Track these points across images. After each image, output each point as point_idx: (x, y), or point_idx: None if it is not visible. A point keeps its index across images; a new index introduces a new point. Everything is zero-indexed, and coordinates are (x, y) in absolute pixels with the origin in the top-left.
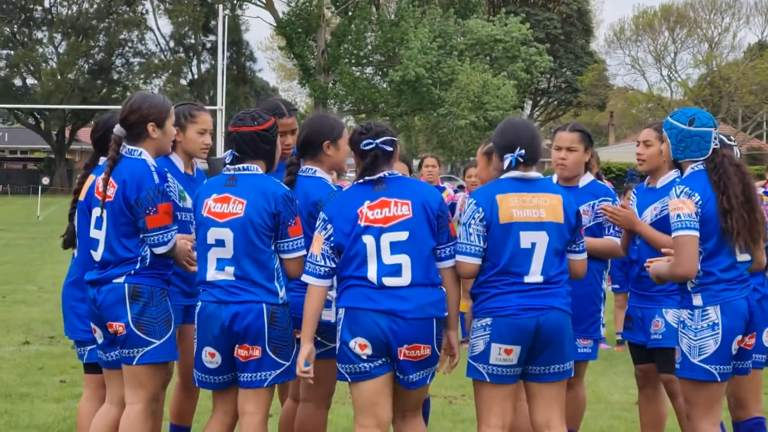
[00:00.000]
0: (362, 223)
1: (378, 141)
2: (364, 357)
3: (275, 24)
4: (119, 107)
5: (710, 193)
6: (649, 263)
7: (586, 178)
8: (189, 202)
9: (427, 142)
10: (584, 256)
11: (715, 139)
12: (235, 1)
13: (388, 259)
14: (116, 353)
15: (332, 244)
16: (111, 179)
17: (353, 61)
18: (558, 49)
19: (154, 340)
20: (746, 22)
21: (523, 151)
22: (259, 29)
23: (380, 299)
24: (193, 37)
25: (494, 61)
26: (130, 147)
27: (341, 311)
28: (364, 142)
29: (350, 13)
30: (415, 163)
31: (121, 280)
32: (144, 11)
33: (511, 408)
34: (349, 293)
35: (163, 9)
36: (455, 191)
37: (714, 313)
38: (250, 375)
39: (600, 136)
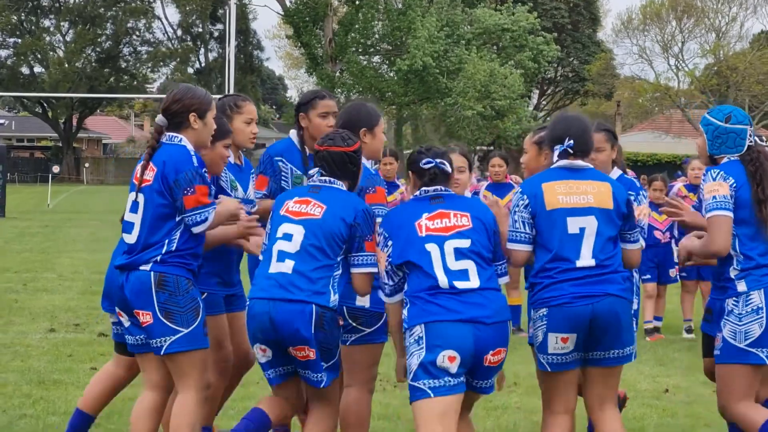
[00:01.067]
0: (423, 234)
1: (437, 160)
2: (454, 370)
3: (283, 13)
4: (126, 96)
5: (744, 181)
6: (683, 247)
7: (615, 173)
8: (240, 192)
9: (435, 132)
10: (638, 245)
11: (751, 136)
12: None
13: (454, 264)
14: (143, 337)
15: (394, 261)
16: (150, 164)
17: (360, 50)
18: (565, 39)
19: (181, 329)
20: (753, 12)
21: (572, 141)
22: (266, 18)
23: (459, 308)
24: (200, 25)
25: (501, 50)
26: (171, 134)
27: (418, 328)
28: (424, 161)
29: (357, 2)
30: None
31: (147, 267)
32: (151, 0)
33: (574, 393)
34: (423, 308)
35: None
36: (478, 180)
37: (758, 298)
38: (310, 374)
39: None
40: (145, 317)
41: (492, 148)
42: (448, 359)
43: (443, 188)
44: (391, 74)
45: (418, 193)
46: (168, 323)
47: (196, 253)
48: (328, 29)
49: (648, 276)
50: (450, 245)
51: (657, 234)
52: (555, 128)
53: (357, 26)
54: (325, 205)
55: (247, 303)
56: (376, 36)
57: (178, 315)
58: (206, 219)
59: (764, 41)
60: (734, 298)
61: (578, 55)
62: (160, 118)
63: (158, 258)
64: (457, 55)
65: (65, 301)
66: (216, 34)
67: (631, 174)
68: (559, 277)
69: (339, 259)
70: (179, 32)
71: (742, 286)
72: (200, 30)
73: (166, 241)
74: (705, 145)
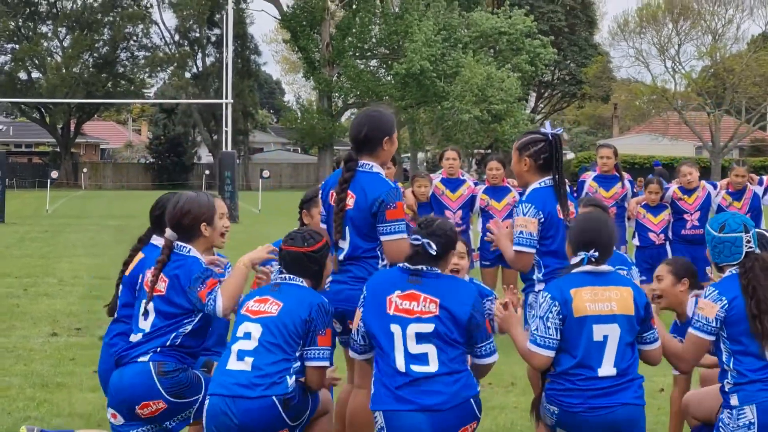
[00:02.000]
0: (391, 312)
1: (425, 241)
2: None
3: (280, 17)
4: (124, 101)
5: (739, 295)
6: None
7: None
8: None
9: (432, 135)
10: (657, 345)
11: (748, 242)
12: None
13: (414, 348)
14: (149, 428)
15: (363, 325)
16: (162, 275)
17: (358, 54)
18: (562, 42)
19: (197, 397)
20: (750, 14)
21: (597, 253)
22: (263, 22)
23: (414, 397)
24: (197, 30)
25: (498, 54)
26: (180, 244)
27: (378, 415)
28: (414, 236)
29: (354, 6)
30: (421, 156)
31: (146, 358)
32: (149, 5)
33: None
34: (380, 394)
35: (167, 2)
36: (475, 184)
37: (750, 413)
38: None
39: (604, 128)
40: (157, 406)
41: (489, 151)
42: None
43: (427, 267)
44: (389, 78)
45: (402, 264)
46: (182, 401)
47: (194, 353)
48: (326, 33)
49: (644, 278)
50: (412, 329)
51: (651, 236)
52: (582, 232)
53: (354, 30)
54: (282, 302)
55: (207, 401)
56: (373, 40)
57: (188, 389)
58: (215, 301)
59: (761, 43)
60: (728, 411)
61: (575, 58)
62: (170, 233)
63: (158, 349)
64: (454, 58)
65: (66, 305)
66: (213, 38)
67: (627, 176)
68: (580, 384)
69: (296, 354)
70: (176, 37)
71: (734, 400)
72: (197, 35)
73: (172, 336)
74: (710, 255)
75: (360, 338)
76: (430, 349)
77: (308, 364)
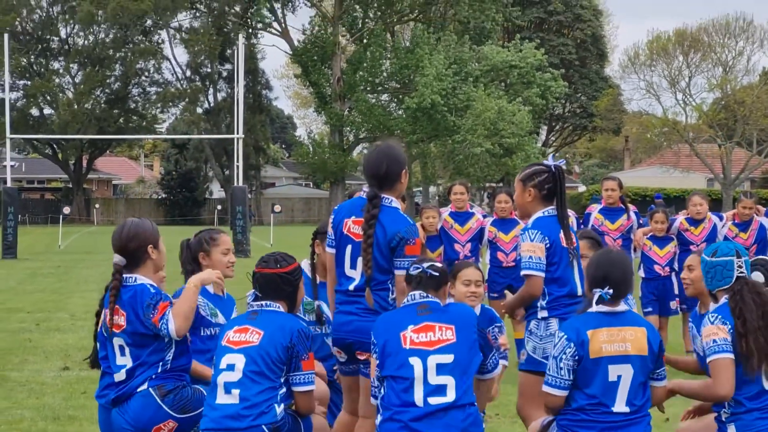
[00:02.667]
0: (407, 346)
1: (425, 265)
2: None
3: (291, 52)
4: (136, 137)
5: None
6: (677, 386)
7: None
8: (221, 318)
9: (444, 169)
10: (665, 383)
11: (740, 267)
12: (250, 30)
13: (434, 379)
14: None
15: (380, 371)
16: (117, 308)
17: (369, 88)
18: (573, 75)
19: (202, 408)
20: (760, 46)
21: (611, 290)
22: (274, 57)
23: (427, 429)
24: (209, 65)
25: (509, 87)
26: (127, 275)
27: None
28: (414, 266)
29: (365, 41)
30: (432, 190)
31: (144, 386)
32: (160, 41)
33: None
34: (392, 427)
35: (179, 38)
36: (484, 216)
37: None
38: None
39: (615, 161)
40: (168, 426)
41: (501, 184)
42: None
43: (429, 296)
44: (400, 112)
45: (406, 299)
46: (191, 415)
47: (186, 369)
48: (337, 68)
49: (649, 309)
50: (433, 360)
51: (657, 268)
52: (598, 268)
53: (365, 65)
54: (263, 330)
55: None
56: (384, 74)
57: (193, 402)
58: (167, 320)
59: None
60: None
61: (586, 90)
62: (118, 258)
63: (153, 376)
64: (465, 92)
65: (78, 340)
66: (225, 73)
67: (632, 208)
68: (595, 417)
69: (281, 380)
70: (188, 72)
71: (732, 430)
72: (209, 70)
73: (160, 363)
74: (702, 282)
75: (378, 383)
76: (449, 381)
77: (295, 389)
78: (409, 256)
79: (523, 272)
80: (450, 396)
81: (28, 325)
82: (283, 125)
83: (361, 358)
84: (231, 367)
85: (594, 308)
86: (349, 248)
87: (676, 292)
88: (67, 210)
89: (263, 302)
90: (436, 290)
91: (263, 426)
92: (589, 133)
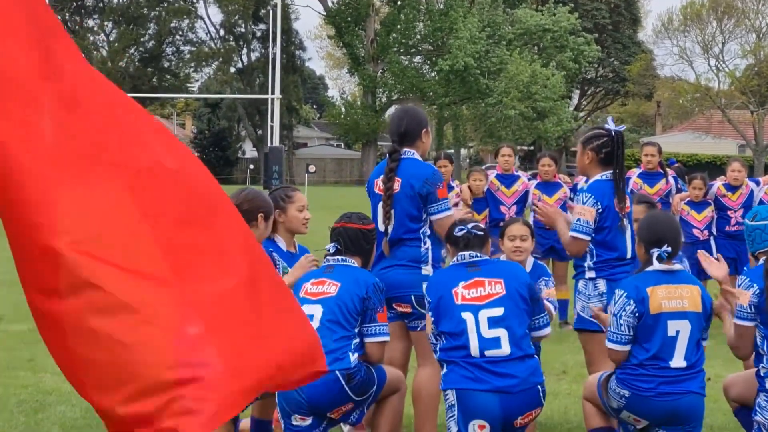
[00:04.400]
0: (459, 302)
1: (469, 226)
2: None
3: (324, 13)
4: (169, 95)
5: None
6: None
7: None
8: None
9: (475, 132)
10: (706, 343)
11: None
12: None
13: (487, 333)
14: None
15: (436, 327)
16: None
17: (402, 50)
18: (606, 39)
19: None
20: None
21: (669, 248)
22: (308, 18)
23: (487, 377)
24: (243, 25)
25: (542, 51)
26: None
27: (450, 393)
28: (458, 228)
29: (399, 3)
30: (463, 152)
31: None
32: (195, 0)
33: None
34: (455, 374)
35: None
36: (529, 179)
37: None
38: (351, 418)
39: (647, 126)
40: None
41: (532, 148)
42: (479, 427)
43: (478, 254)
44: (432, 74)
45: (455, 259)
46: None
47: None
48: (370, 29)
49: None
50: (484, 314)
51: (696, 232)
52: (651, 230)
53: (399, 26)
54: (339, 282)
55: None
56: (418, 36)
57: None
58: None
59: None
60: (764, 394)
61: (618, 55)
62: None
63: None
64: (498, 55)
65: None
66: (258, 34)
67: (671, 173)
68: (654, 372)
69: (355, 330)
70: (222, 32)
71: None
72: (243, 30)
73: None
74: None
75: (436, 340)
76: (502, 333)
77: (369, 340)
78: (441, 200)
79: (570, 233)
80: (505, 349)
81: None
82: (315, 86)
83: (400, 309)
84: (309, 317)
85: (651, 267)
86: (379, 205)
87: (715, 255)
88: None
89: (339, 257)
90: (481, 248)
91: (337, 372)
92: (621, 97)
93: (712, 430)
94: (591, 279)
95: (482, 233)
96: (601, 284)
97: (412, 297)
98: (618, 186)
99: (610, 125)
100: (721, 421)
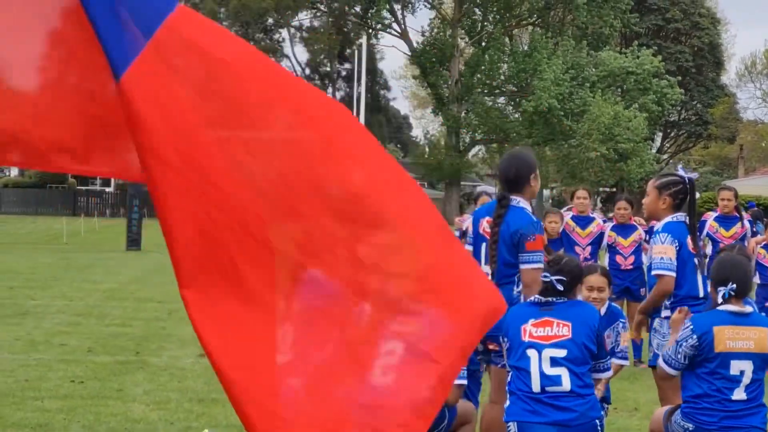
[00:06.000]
0: (526, 339)
1: (554, 278)
2: None
3: (410, 53)
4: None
5: None
6: None
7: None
8: None
9: (558, 173)
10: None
11: None
12: (370, 30)
13: (549, 370)
14: None
15: (507, 360)
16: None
17: (486, 90)
18: (689, 82)
19: None
20: None
21: (734, 285)
22: (393, 58)
23: (546, 411)
24: (328, 64)
25: (626, 93)
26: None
27: (512, 425)
28: (544, 273)
29: (484, 44)
30: (546, 193)
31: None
32: (281, 39)
33: None
34: (517, 407)
35: (299, 37)
36: (604, 221)
37: None
38: None
39: (729, 169)
40: None
41: (614, 189)
42: None
43: (555, 299)
44: (516, 115)
45: (532, 298)
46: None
47: None
48: (455, 70)
49: (764, 313)
50: (547, 353)
51: None
52: (720, 270)
53: (483, 67)
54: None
55: None
56: (502, 77)
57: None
58: None
59: None
60: None
61: (701, 98)
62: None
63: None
64: (581, 97)
65: None
66: (344, 73)
67: (746, 216)
68: (717, 406)
69: None
70: (307, 71)
71: None
72: (328, 69)
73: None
74: None
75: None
76: (563, 372)
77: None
78: (529, 252)
79: (654, 272)
80: (566, 385)
81: (160, 314)
82: (399, 125)
83: (490, 347)
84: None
85: (722, 307)
86: (483, 246)
87: None
88: None
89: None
90: (565, 295)
91: None
92: (704, 140)
93: None
94: (666, 318)
95: (563, 288)
96: None
97: (500, 337)
98: (692, 228)
99: (683, 172)
100: None
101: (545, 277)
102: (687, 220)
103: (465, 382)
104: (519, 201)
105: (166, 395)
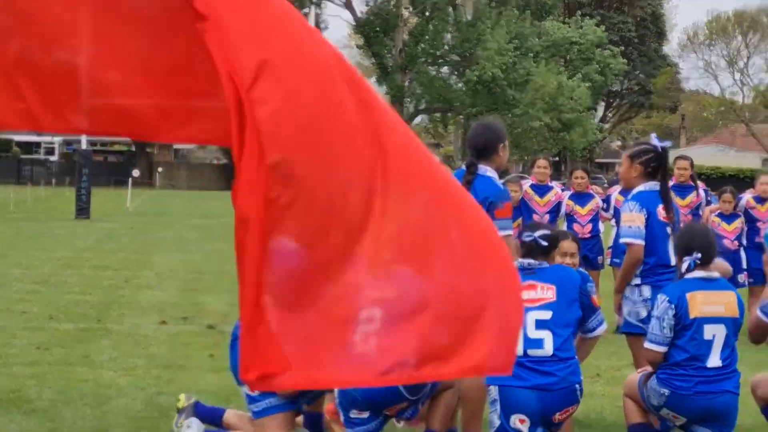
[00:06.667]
0: None
1: (536, 235)
2: (526, 430)
3: (354, 23)
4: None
5: None
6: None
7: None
8: None
9: None
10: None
11: None
12: (314, 1)
13: (532, 333)
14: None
15: None
16: None
17: (430, 60)
18: (632, 52)
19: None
20: None
21: (699, 255)
22: (336, 28)
23: (527, 375)
24: None
25: (569, 63)
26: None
27: (493, 389)
28: (526, 234)
29: (428, 14)
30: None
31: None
32: None
33: None
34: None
35: None
36: (562, 190)
37: None
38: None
39: (671, 139)
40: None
41: (558, 158)
42: (519, 421)
43: (538, 262)
44: (460, 85)
45: (515, 263)
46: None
47: None
48: (399, 39)
49: (752, 280)
50: (532, 316)
51: (726, 242)
52: (682, 240)
53: (427, 37)
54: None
55: None
56: (446, 47)
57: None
58: None
59: None
60: None
61: (644, 68)
62: None
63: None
64: (525, 67)
65: (168, 297)
66: None
67: (701, 185)
68: (692, 372)
69: None
70: None
71: None
72: None
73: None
74: None
75: None
76: (546, 335)
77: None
78: (499, 219)
79: (622, 239)
80: (548, 349)
81: (117, 282)
82: None
83: None
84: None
85: (690, 275)
86: None
87: (744, 266)
88: (136, 173)
89: None
90: (545, 257)
91: None
92: (646, 110)
93: (740, 430)
94: (637, 285)
95: (547, 244)
96: (646, 290)
97: None
98: (665, 195)
99: (656, 141)
100: (748, 423)
101: (528, 236)
102: (660, 188)
103: None
104: (486, 170)
105: (132, 362)
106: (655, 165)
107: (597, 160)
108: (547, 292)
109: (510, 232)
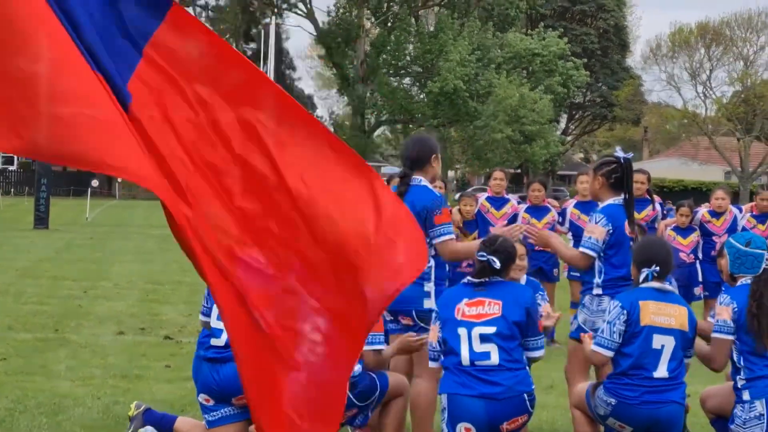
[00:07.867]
0: (458, 317)
1: (490, 257)
2: None
3: (315, 33)
4: None
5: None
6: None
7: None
8: None
9: (463, 154)
10: (689, 361)
11: (767, 260)
12: (276, 10)
13: (478, 347)
14: None
15: (440, 336)
16: None
17: (391, 71)
18: (594, 64)
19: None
20: None
21: (657, 267)
22: (298, 38)
23: (474, 384)
24: (233, 44)
25: (531, 75)
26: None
27: (443, 397)
28: (480, 252)
29: (390, 24)
30: (450, 174)
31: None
32: None
33: None
34: (448, 380)
35: (204, 16)
36: (518, 202)
37: (760, 406)
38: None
39: (634, 151)
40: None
41: (519, 171)
42: (465, 430)
43: (490, 278)
44: (422, 96)
45: (466, 279)
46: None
47: None
48: (360, 50)
49: (707, 293)
50: (477, 331)
51: (682, 256)
52: (642, 252)
53: (389, 48)
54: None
55: None
56: (408, 58)
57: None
58: None
59: None
60: (740, 405)
61: (607, 80)
62: None
63: None
64: (487, 78)
65: (126, 307)
66: (249, 53)
67: (657, 199)
68: (638, 381)
69: None
70: None
71: (746, 396)
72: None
73: None
74: (727, 265)
75: (438, 345)
76: (492, 348)
77: (365, 348)
78: (439, 225)
79: (580, 249)
80: (494, 359)
81: (76, 292)
82: (304, 105)
83: (404, 322)
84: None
85: (645, 284)
86: None
87: (700, 279)
88: (95, 183)
89: None
90: (500, 274)
91: None
92: (609, 122)
93: None
94: (597, 295)
95: (499, 267)
96: (605, 301)
97: (414, 312)
98: (629, 210)
99: (620, 153)
100: None
101: (482, 256)
102: (624, 202)
103: (383, 347)
104: (420, 180)
105: (89, 371)
106: (618, 176)
107: (559, 173)
108: (493, 308)
109: (451, 236)
